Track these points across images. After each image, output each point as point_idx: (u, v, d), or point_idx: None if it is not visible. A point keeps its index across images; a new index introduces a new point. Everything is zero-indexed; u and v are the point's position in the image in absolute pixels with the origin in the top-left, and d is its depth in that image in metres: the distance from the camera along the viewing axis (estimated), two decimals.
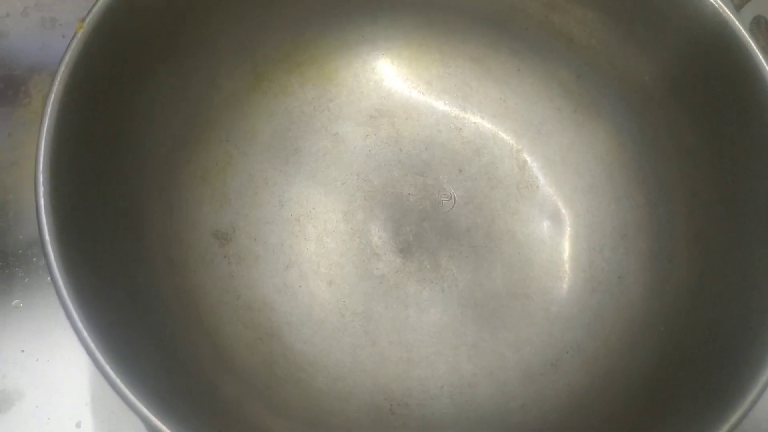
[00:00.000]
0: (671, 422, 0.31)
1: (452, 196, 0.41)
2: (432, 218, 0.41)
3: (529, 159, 0.42)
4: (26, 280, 0.38)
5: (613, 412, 0.34)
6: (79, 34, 0.30)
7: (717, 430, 0.28)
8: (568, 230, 0.40)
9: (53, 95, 0.30)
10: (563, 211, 0.41)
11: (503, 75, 0.43)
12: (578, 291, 0.39)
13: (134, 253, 0.33)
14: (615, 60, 0.39)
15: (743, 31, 0.33)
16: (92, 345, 0.26)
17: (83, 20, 0.31)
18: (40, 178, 0.29)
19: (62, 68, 0.30)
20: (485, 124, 0.43)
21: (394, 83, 0.43)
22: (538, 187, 0.41)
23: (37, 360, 0.37)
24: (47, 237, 0.28)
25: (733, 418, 0.28)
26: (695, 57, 0.35)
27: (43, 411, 0.36)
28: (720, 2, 0.34)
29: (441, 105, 0.43)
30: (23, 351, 0.37)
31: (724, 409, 0.28)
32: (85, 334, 0.26)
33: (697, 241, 0.36)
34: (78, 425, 0.36)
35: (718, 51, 0.34)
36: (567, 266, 0.40)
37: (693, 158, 0.37)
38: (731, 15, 0.34)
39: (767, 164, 0.32)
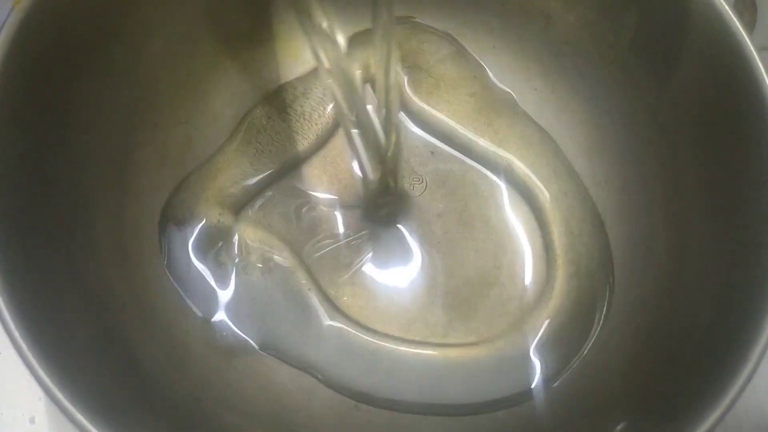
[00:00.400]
0: (648, 419, 0.30)
1: (424, 180, 0.40)
2: (403, 202, 0.39)
3: (504, 141, 0.40)
4: None
5: (589, 407, 0.33)
6: (15, 11, 0.28)
7: (696, 429, 0.26)
8: (544, 215, 0.39)
9: None
10: (540, 195, 0.39)
11: (479, 53, 0.41)
12: (554, 279, 0.37)
13: (83, 243, 0.32)
14: (594, 37, 0.38)
15: (725, 6, 0.31)
16: (26, 348, 0.24)
17: None
18: None
19: None
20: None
21: None
22: (513, 169, 0.39)
23: None
24: None
25: (714, 416, 0.27)
26: (677, 34, 0.34)
27: None
28: None
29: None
30: None
31: (703, 408, 0.27)
32: (17, 335, 0.24)
33: (676, 229, 0.35)
34: (32, 421, 0.35)
35: (701, 29, 0.32)
36: (542, 252, 0.38)
37: (674, 141, 0.35)
38: None
39: (750, 149, 0.31)
